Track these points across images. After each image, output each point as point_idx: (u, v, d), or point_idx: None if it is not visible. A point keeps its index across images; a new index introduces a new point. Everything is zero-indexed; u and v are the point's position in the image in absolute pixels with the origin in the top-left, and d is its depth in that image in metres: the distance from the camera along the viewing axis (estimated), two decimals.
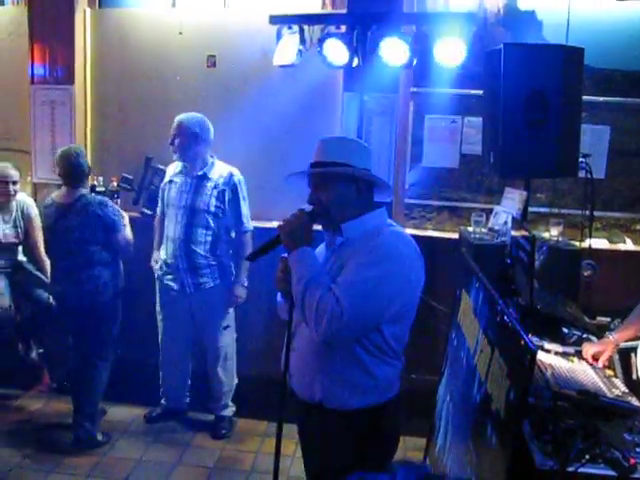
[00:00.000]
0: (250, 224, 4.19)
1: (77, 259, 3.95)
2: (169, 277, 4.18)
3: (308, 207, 2.36)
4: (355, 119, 4.28)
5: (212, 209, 4.07)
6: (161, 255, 4.23)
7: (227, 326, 4.28)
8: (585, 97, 3.81)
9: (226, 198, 4.10)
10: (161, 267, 4.22)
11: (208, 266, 4.12)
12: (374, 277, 2.15)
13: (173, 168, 4.26)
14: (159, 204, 4.33)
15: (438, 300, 4.20)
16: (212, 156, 4.19)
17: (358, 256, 2.21)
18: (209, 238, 4.09)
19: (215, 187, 4.09)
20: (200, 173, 4.11)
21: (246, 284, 4.19)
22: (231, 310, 4.30)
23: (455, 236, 4.29)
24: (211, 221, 4.08)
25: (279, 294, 2.53)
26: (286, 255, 2.32)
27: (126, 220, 4.11)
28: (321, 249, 2.48)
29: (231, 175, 4.13)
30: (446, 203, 4.91)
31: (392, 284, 2.18)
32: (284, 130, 4.79)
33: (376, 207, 2.39)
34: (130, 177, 4.64)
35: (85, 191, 4.03)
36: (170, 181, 4.22)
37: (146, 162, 4.67)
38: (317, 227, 2.38)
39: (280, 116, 4.76)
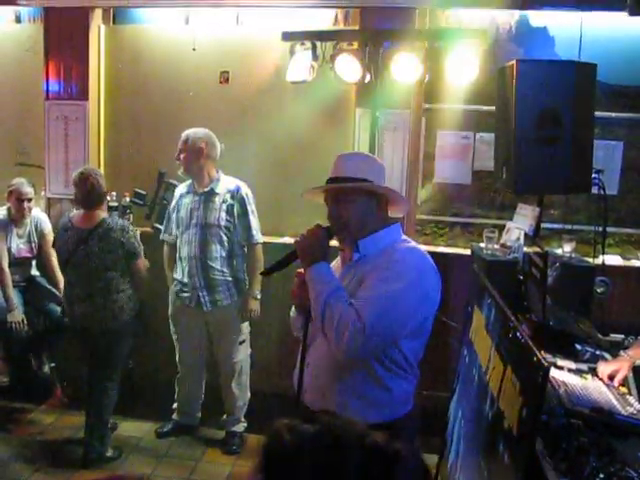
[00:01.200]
0: (260, 236, 4.20)
1: (96, 285, 3.89)
2: (185, 295, 4.19)
3: (325, 223, 2.37)
4: (367, 135, 4.29)
5: (223, 223, 4.08)
6: (176, 275, 4.24)
7: (243, 341, 4.30)
8: (598, 113, 3.81)
9: (235, 212, 4.12)
10: (176, 285, 4.24)
11: (225, 282, 4.13)
12: (394, 292, 2.15)
13: (180, 189, 4.30)
14: (167, 226, 4.33)
15: (450, 316, 4.17)
16: (218, 171, 4.20)
17: (377, 272, 2.22)
18: (224, 253, 4.11)
19: (223, 202, 4.11)
20: (207, 189, 4.13)
21: (259, 297, 4.19)
22: (247, 325, 4.31)
23: (467, 252, 4.27)
24: (224, 235, 4.09)
25: (292, 309, 2.54)
26: (302, 270, 2.32)
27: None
28: (335, 265, 2.48)
29: (238, 189, 4.14)
30: (458, 219, 4.91)
31: (412, 299, 2.19)
32: (297, 146, 4.82)
33: (391, 222, 2.40)
34: (143, 192, 4.68)
35: (104, 214, 3.98)
36: (179, 202, 4.24)
37: (159, 177, 4.71)
38: (333, 243, 2.39)
39: (293, 132, 4.79)
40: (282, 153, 4.85)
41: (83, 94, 4.97)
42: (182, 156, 4.09)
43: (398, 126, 4.61)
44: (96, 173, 3.97)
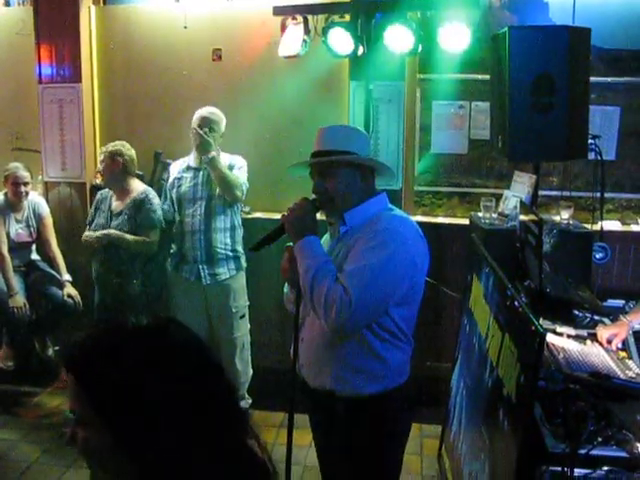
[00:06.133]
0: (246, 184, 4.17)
1: None
2: (185, 268, 4.20)
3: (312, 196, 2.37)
4: (362, 108, 4.27)
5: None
6: (174, 250, 4.25)
7: (243, 315, 4.32)
8: (593, 78, 3.79)
9: None
10: (174, 260, 4.26)
11: (225, 256, 4.16)
12: (379, 262, 2.14)
13: (177, 166, 4.28)
14: (165, 204, 4.33)
15: (449, 286, 4.19)
16: (218, 148, 4.21)
17: (361, 243, 2.21)
18: (228, 224, 4.15)
19: None
20: None
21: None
22: (245, 299, 4.33)
23: (466, 222, 4.28)
24: (227, 208, 4.13)
25: (285, 285, 2.54)
26: (291, 244, 2.32)
27: None
28: (326, 239, 2.49)
29: (233, 161, 4.17)
30: (456, 189, 4.90)
31: (397, 267, 2.17)
32: (291, 121, 4.80)
33: (377, 193, 2.39)
34: (140, 173, 4.65)
35: None
36: (178, 178, 4.22)
37: (155, 157, 4.69)
38: (321, 216, 2.39)
39: (287, 107, 4.78)
40: (276, 128, 4.83)
41: (76, 76, 4.94)
42: (215, 135, 4.08)
43: (393, 98, 4.58)
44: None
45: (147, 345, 1.18)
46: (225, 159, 4.16)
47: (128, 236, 4.12)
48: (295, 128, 4.78)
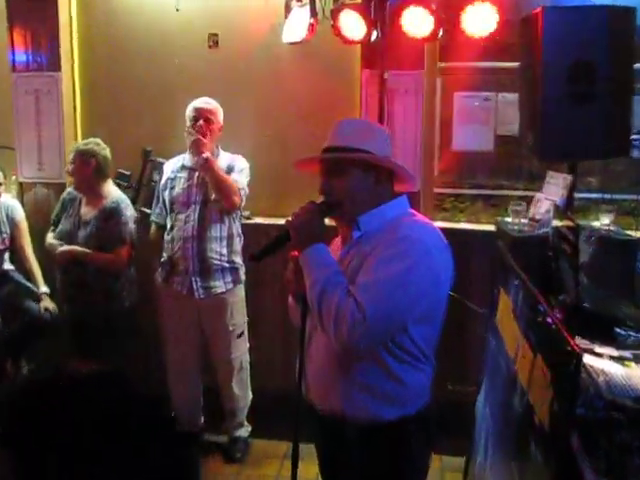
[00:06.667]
0: (246, 189, 4.19)
1: None
2: (176, 280, 4.19)
3: (320, 199, 2.36)
4: (376, 100, 4.27)
5: None
6: (164, 259, 4.24)
7: (241, 333, 4.31)
8: (638, 65, 3.74)
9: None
10: (164, 270, 4.24)
11: (220, 268, 4.15)
12: (397, 274, 2.13)
13: (171, 165, 4.30)
14: (157, 207, 4.35)
15: (474, 301, 4.16)
16: (218, 146, 4.25)
17: (378, 251, 2.20)
18: (224, 233, 4.15)
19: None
20: None
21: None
22: (244, 315, 4.33)
23: (491, 228, 4.26)
24: (224, 214, 4.13)
25: (290, 297, 2.55)
26: (296, 253, 2.31)
27: None
28: (336, 245, 2.48)
29: (234, 161, 4.20)
30: (481, 191, 4.86)
31: (418, 280, 2.16)
32: (296, 115, 4.81)
33: (396, 197, 2.39)
34: (127, 173, 4.68)
35: None
36: (171, 179, 4.24)
37: (144, 155, 4.70)
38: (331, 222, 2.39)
39: (292, 100, 4.79)
40: (280, 124, 4.83)
41: (54, 64, 4.93)
42: (212, 127, 4.13)
43: (410, 89, 4.58)
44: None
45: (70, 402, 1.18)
46: (224, 159, 4.18)
47: (93, 254, 4.15)
48: (301, 123, 4.79)
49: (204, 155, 3.96)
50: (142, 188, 4.67)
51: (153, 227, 4.39)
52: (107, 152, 4.25)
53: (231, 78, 4.87)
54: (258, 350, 4.53)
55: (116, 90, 5.07)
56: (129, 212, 4.24)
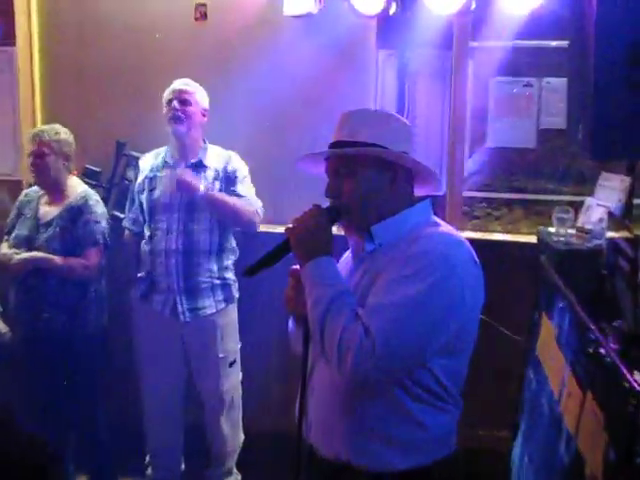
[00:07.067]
0: (260, 203, 4.25)
1: None
2: (156, 299, 4.19)
3: (327, 202, 2.36)
4: (394, 86, 4.28)
5: None
6: (142, 274, 4.24)
7: (233, 362, 4.31)
8: None
9: (227, 185, 4.18)
10: (141, 287, 4.23)
11: (210, 285, 4.16)
12: (415, 295, 2.10)
13: (150, 161, 4.30)
14: (131, 211, 4.35)
15: (509, 326, 4.16)
16: (204, 139, 4.27)
17: (393, 268, 2.18)
18: (214, 246, 4.16)
19: (216, 178, 4.17)
20: (194, 160, 4.16)
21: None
22: (237, 341, 4.33)
23: (533, 240, 4.26)
24: (215, 222, 4.13)
25: (290, 319, 2.54)
26: (298, 267, 2.31)
27: None
28: (346, 259, 2.48)
29: (229, 160, 4.21)
30: (520, 196, 4.85)
31: (440, 304, 2.13)
32: (299, 103, 4.79)
33: (417, 202, 2.37)
34: (97, 169, 4.67)
35: None
36: (150, 178, 4.23)
37: (117, 149, 4.70)
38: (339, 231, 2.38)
39: (294, 84, 4.76)
40: (279, 112, 4.78)
41: (8, 37, 4.96)
42: (189, 109, 4.12)
43: (435, 72, 4.60)
44: None
45: None
46: (214, 158, 4.22)
47: (59, 259, 4.09)
48: (304, 112, 4.79)
49: (201, 192, 4.00)
50: (114, 188, 4.66)
51: (127, 234, 4.39)
52: (71, 139, 4.23)
53: (221, 57, 4.87)
54: (250, 381, 4.50)
55: (84, 70, 5.06)
56: (100, 209, 4.22)
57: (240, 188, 4.17)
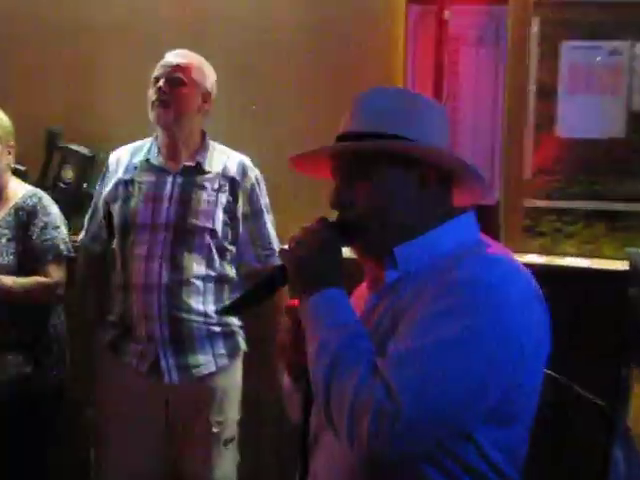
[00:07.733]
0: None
1: None
2: (130, 350, 4.14)
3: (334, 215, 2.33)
4: (430, 54, 4.28)
5: (218, 226, 4.08)
6: (113, 317, 4.22)
7: (230, 439, 4.27)
8: None
9: (239, 209, 4.16)
10: (113, 331, 4.20)
11: (207, 334, 4.11)
12: (453, 340, 2.05)
13: (125, 158, 4.26)
14: (93, 226, 4.36)
15: (587, 386, 4.13)
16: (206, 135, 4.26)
17: (423, 303, 2.13)
18: (210, 281, 4.11)
19: (219, 188, 4.12)
20: (190, 163, 4.12)
21: None
22: (238, 410, 4.30)
23: (620, 266, 4.24)
24: (215, 250, 4.10)
25: (285, 375, 2.51)
26: (296, 302, 2.27)
27: None
28: (360, 293, 2.46)
29: (243, 168, 4.20)
30: (602, 205, 4.82)
31: (487, 350, 2.08)
32: (304, 80, 4.84)
33: (456, 214, 2.34)
34: (21, 168, 4.66)
35: None
36: (125, 182, 4.18)
37: (49, 140, 4.71)
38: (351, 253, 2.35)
39: (297, 55, 4.83)
40: (279, 92, 4.87)
41: None
42: (181, 90, 4.09)
43: (485, 35, 4.61)
44: None
45: None
46: (221, 160, 4.19)
47: (8, 279, 4.09)
48: (310, 93, 4.84)
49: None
50: (47, 190, 4.65)
51: (83, 256, 4.40)
52: (9, 125, 4.27)
53: (203, 19, 4.94)
54: (246, 459, 4.50)
55: (10, 43, 5.14)
56: (56, 210, 4.29)
57: (269, 225, 4.25)
